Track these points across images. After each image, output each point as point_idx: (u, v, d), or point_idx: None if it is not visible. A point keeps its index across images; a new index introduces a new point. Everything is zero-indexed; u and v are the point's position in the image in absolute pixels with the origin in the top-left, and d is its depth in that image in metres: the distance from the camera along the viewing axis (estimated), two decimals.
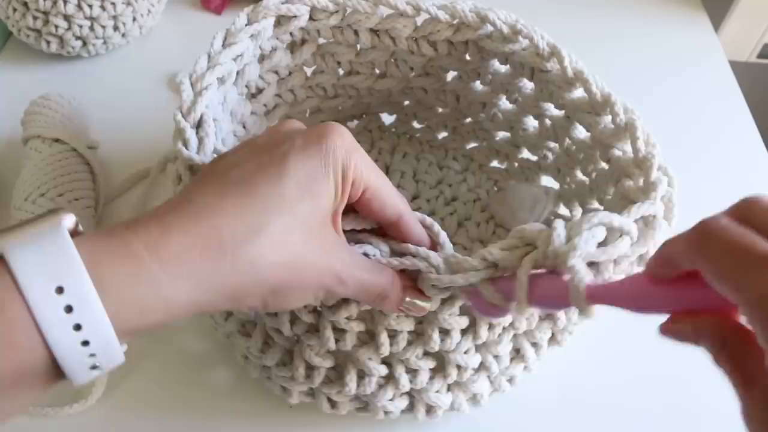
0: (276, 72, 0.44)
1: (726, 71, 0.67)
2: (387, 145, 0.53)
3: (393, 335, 0.33)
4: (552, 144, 0.45)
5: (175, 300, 0.23)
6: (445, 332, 0.33)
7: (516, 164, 0.49)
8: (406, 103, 0.50)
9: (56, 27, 0.58)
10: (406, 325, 0.33)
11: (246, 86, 0.43)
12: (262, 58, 0.42)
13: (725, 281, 0.21)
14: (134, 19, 0.61)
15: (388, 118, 0.53)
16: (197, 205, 0.25)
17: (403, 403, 0.36)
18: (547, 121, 0.44)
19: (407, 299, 0.30)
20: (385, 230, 0.32)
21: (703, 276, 0.22)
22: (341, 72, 0.47)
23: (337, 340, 0.33)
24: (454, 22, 0.41)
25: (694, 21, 0.73)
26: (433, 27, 0.41)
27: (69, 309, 0.21)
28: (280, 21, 0.40)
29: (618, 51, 0.68)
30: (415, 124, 0.52)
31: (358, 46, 0.44)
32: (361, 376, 0.35)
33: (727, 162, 0.59)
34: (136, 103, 0.59)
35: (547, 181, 0.47)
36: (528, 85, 0.43)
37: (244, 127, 0.44)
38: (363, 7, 0.40)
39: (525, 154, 0.48)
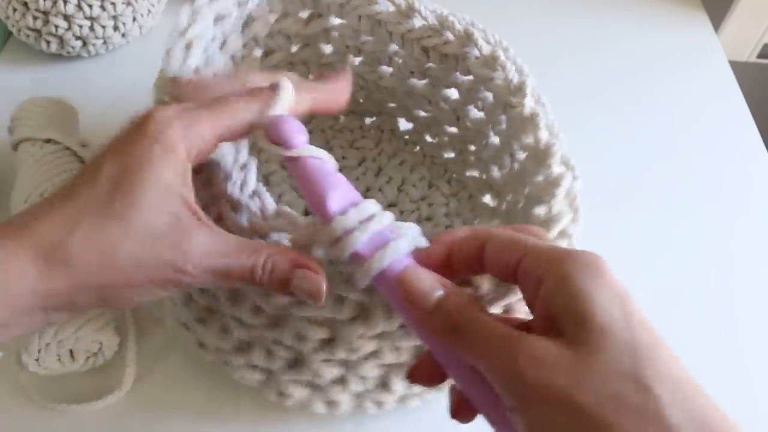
0: (288, 37, 0.45)
1: (726, 71, 0.67)
2: (390, 149, 0.53)
3: (256, 311, 0.32)
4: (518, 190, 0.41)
5: (27, 287, 0.24)
6: (302, 336, 0.32)
7: (504, 205, 0.44)
8: (422, 114, 0.50)
9: (56, 27, 0.58)
10: (269, 308, 0.31)
11: (254, 40, 0.43)
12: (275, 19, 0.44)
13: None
14: (134, 19, 0.61)
15: (405, 125, 0.53)
16: (30, 216, 0.25)
17: (257, 376, 0.36)
18: (516, 165, 0.41)
19: (296, 284, 0.27)
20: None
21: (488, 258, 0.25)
22: (352, 59, 0.48)
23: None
24: (444, 32, 0.41)
25: (694, 21, 0.73)
26: (425, 32, 0.42)
27: None
28: None
29: (618, 51, 0.69)
30: (427, 138, 0.52)
31: (363, 35, 0.45)
32: (225, 330, 0.35)
33: (727, 162, 0.59)
34: (135, 103, 0.58)
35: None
36: (503, 120, 0.41)
37: None
38: None
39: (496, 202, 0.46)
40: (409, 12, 0.42)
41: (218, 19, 0.37)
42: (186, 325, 0.37)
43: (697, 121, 0.62)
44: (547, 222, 0.32)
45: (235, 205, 0.31)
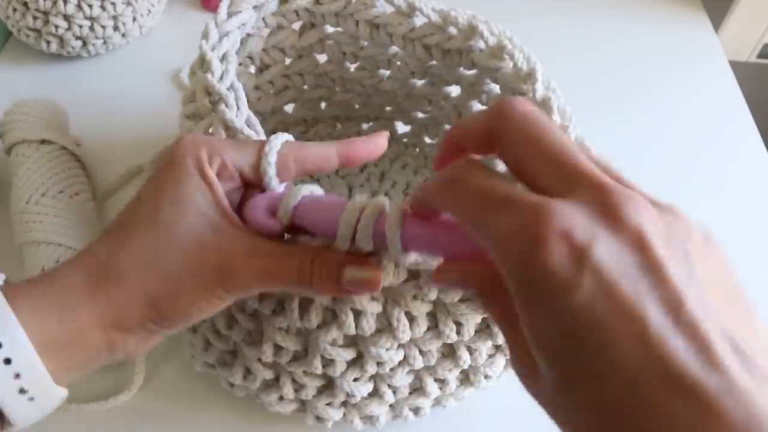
0: (282, 51, 0.45)
1: (726, 71, 0.67)
2: (391, 153, 0.53)
3: (279, 347, 0.33)
4: None
5: (82, 323, 0.25)
6: (328, 361, 0.32)
7: None
8: (420, 115, 0.50)
9: (56, 27, 0.58)
10: (291, 343, 0.32)
11: (250, 58, 0.44)
12: (268, 34, 0.43)
13: (470, 226, 0.21)
14: (134, 19, 0.61)
15: (403, 128, 0.53)
16: (85, 245, 0.28)
17: (291, 407, 0.36)
18: None
19: (348, 275, 0.27)
20: None
21: (458, 223, 0.22)
22: (349, 66, 0.47)
23: (230, 327, 0.34)
24: (447, 28, 0.41)
25: (694, 21, 0.73)
26: (427, 30, 0.42)
27: (7, 361, 0.23)
28: None
29: (618, 51, 0.69)
30: (426, 139, 0.52)
31: (361, 40, 0.45)
32: (249, 371, 0.35)
33: (727, 162, 0.59)
34: (135, 103, 0.59)
35: None
36: None
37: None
38: None
39: None
40: (410, 11, 0.42)
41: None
42: (212, 366, 0.37)
43: (697, 121, 0.62)
44: None
45: None
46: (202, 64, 0.35)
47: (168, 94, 0.60)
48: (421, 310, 0.31)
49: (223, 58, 0.35)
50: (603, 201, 0.19)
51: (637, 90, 0.65)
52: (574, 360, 0.18)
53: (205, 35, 0.36)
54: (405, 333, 0.31)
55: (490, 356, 0.35)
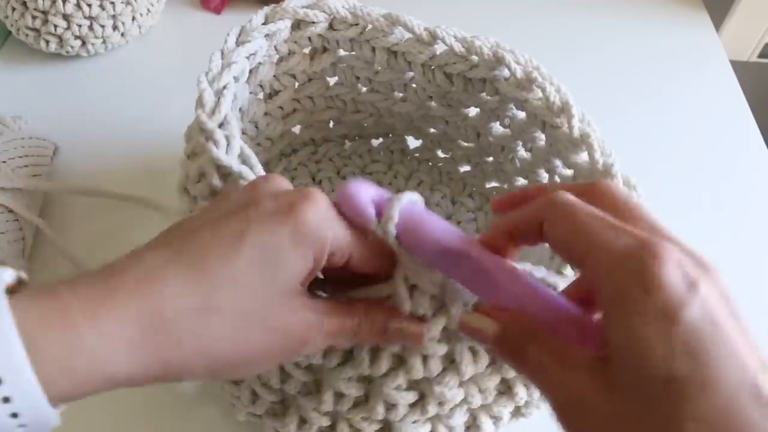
0: (293, 76, 0.44)
1: (727, 71, 0.67)
2: (405, 170, 0.52)
3: (339, 395, 0.32)
4: None
5: (111, 372, 0.22)
6: (390, 405, 0.32)
7: None
8: (432, 131, 0.49)
9: (55, 26, 0.58)
10: (354, 390, 0.31)
11: (260, 86, 0.43)
12: (279, 60, 0.42)
13: (580, 234, 0.23)
14: (133, 19, 0.61)
15: (414, 142, 0.52)
16: (146, 267, 0.23)
17: None
18: (557, 179, 0.41)
19: (394, 326, 0.27)
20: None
21: (549, 242, 0.24)
22: (361, 88, 0.46)
23: (283, 381, 0.33)
24: (471, 57, 0.40)
25: (695, 20, 0.73)
26: (449, 59, 0.41)
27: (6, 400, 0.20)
28: (299, 25, 0.41)
29: (619, 51, 0.68)
30: (440, 153, 0.51)
31: (377, 66, 0.44)
32: (303, 421, 0.34)
33: (728, 161, 0.59)
34: (135, 103, 0.59)
35: None
36: (541, 137, 0.41)
37: (256, 126, 0.44)
38: (380, 24, 0.40)
39: None
40: (431, 40, 0.40)
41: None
42: (258, 416, 0.36)
43: (698, 121, 0.62)
44: None
45: None
46: (199, 100, 0.34)
47: (167, 93, 0.60)
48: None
49: (222, 92, 0.34)
50: (700, 255, 0.22)
51: (637, 90, 0.65)
52: (681, 367, 0.20)
53: (209, 68, 0.35)
54: (468, 368, 0.30)
55: (468, 428, 0.35)
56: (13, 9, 0.57)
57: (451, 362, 0.30)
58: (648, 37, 0.70)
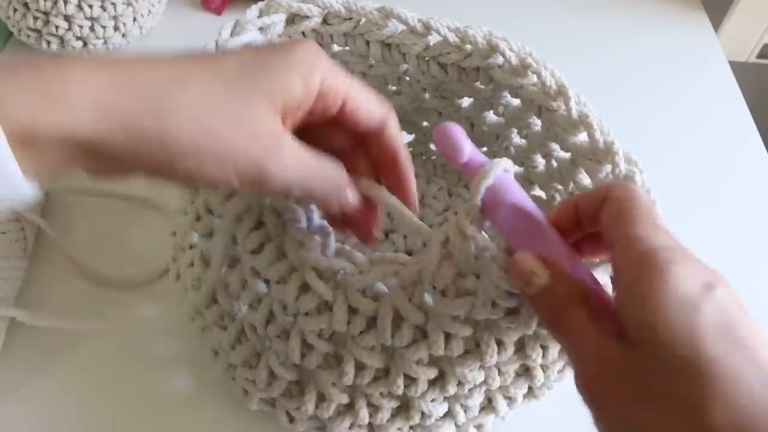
0: None
1: (725, 71, 0.67)
2: None
3: (360, 367, 0.32)
4: (558, 186, 0.43)
5: (71, 123, 0.22)
6: (410, 379, 0.32)
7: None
8: (425, 124, 0.49)
9: (57, 27, 0.58)
10: (376, 361, 0.31)
11: None
12: None
13: (625, 220, 0.25)
14: (134, 20, 0.61)
15: (406, 137, 0.51)
16: (140, 59, 0.24)
17: None
18: (554, 162, 0.42)
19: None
20: (368, 146, 0.31)
21: (601, 219, 0.26)
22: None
23: (303, 355, 0.32)
24: (465, 46, 0.40)
25: (693, 21, 0.73)
26: (443, 49, 0.41)
27: None
28: (294, 19, 0.41)
29: (618, 51, 0.69)
30: (432, 146, 0.51)
31: (371, 59, 0.44)
32: (321, 398, 0.34)
33: (726, 162, 0.59)
34: None
35: None
36: (537, 122, 0.42)
37: None
38: (374, 17, 0.41)
39: (537, 191, 0.45)
40: (425, 31, 0.41)
41: None
42: (271, 403, 0.36)
43: (697, 122, 0.62)
44: None
45: (300, 239, 0.31)
46: None
47: None
48: (512, 337, 0.31)
49: None
50: (714, 270, 0.24)
51: (636, 90, 0.65)
52: (707, 349, 0.21)
53: None
54: (493, 358, 0.30)
55: (560, 372, 0.35)
56: (15, 10, 0.58)
57: (476, 345, 0.31)
58: (647, 37, 0.70)
